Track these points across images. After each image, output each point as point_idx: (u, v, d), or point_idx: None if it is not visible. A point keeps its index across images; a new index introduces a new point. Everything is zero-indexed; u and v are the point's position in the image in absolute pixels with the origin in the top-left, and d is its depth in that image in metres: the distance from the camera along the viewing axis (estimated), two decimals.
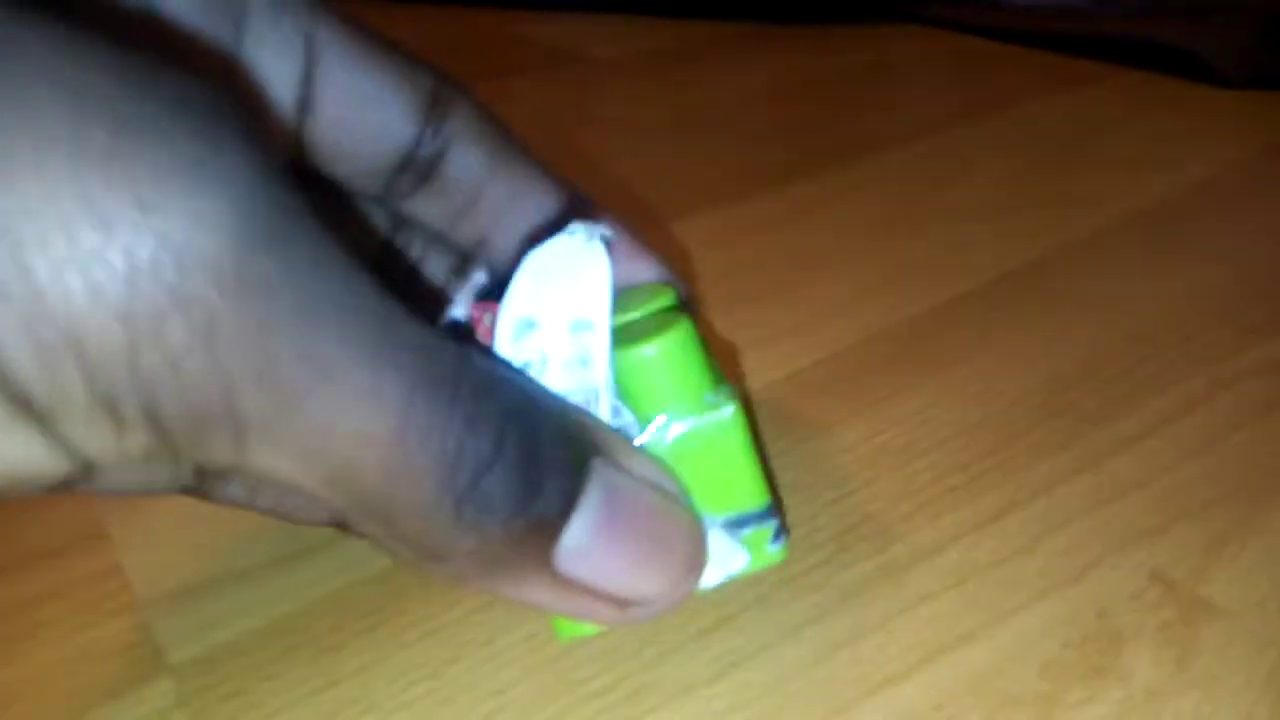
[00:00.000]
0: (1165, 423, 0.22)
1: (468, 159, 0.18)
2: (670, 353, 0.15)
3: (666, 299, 0.16)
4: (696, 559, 0.15)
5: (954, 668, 0.16)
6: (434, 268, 0.20)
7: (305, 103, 0.16)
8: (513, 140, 0.18)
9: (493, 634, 0.18)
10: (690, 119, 0.41)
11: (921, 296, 0.27)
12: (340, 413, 0.11)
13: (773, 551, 0.16)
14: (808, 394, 0.23)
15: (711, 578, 0.16)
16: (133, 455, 0.11)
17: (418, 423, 0.12)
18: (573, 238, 0.14)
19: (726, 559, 0.16)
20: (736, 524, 0.16)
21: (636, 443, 0.15)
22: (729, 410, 0.15)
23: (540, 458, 0.13)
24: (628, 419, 0.15)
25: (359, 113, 0.17)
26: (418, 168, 0.17)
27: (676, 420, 0.15)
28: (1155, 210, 0.31)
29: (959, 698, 0.16)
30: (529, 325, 0.14)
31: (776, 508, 0.16)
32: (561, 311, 0.14)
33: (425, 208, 0.18)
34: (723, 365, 0.25)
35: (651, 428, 0.15)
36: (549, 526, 0.13)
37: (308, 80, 0.16)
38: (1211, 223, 0.30)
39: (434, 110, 0.17)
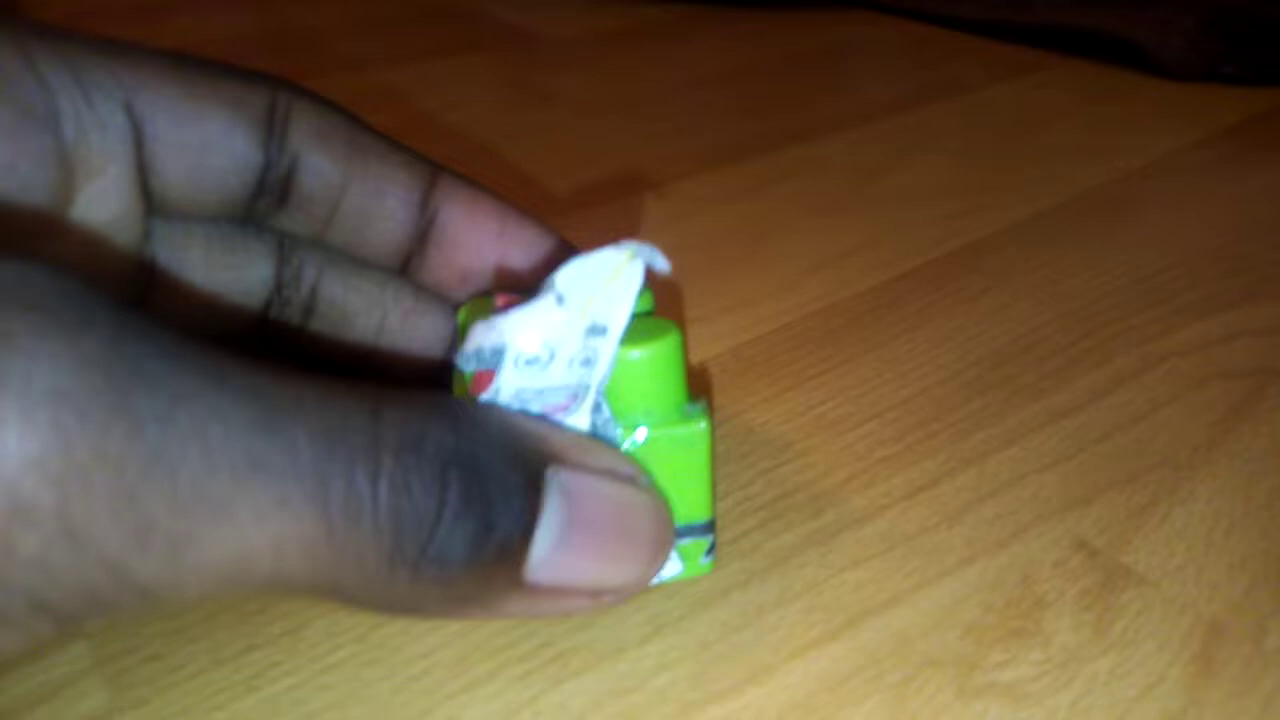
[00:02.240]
0: (1097, 397, 0.22)
1: (319, 167, 0.17)
2: (656, 360, 0.15)
3: (643, 303, 0.16)
4: (664, 537, 0.15)
5: (877, 631, 0.16)
6: (330, 286, 0.19)
7: (146, 166, 0.16)
8: (364, 134, 0.18)
9: None
10: (641, 99, 0.41)
11: (864, 275, 0.27)
12: (248, 538, 0.11)
13: (703, 564, 0.17)
14: (749, 366, 0.23)
15: None
16: (42, 637, 0.11)
17: (340, 511, 0.11)
18: (620, 251, 0.14)
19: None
20: (679, 533, 0.16)
21: (611, 441, 0.15)
22: (702, 425, 0.15)
23: (490, 492, 0.13)
24: (606, 415, 0.15)
25: (199, 160, 0.16)
26: (273, 189, 0.17)
27: (651, 424, 0.15)
28: (1094, 196, 0.32)
29: (881, 660, 0.16)
30: (550, 324, 0.14)
31: (715, 525, 0.17)
32: (584, 315, 0.14)
33: (289, 223, 0.18)
34: None
35: (629, 431, 0.15)
36: (512, 552, 0.13)
37: (139, 145, 0.16)
38: (1148, 209, 0.31)
39: (273, 129, 0.17)
